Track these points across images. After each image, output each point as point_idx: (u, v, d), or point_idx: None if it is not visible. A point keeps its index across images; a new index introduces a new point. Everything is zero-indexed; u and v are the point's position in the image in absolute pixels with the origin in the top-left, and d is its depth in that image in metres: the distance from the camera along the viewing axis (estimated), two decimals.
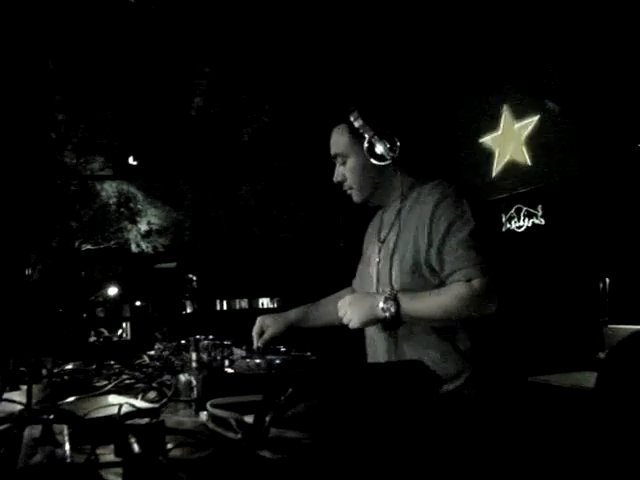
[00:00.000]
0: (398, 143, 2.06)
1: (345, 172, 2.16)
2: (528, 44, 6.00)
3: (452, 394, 1.97)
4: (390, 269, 2.10)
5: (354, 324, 1.97)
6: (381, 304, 1.92)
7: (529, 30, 5.92)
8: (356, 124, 2.08)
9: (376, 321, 1.97)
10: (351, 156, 2.13)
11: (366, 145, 2.05)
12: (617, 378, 1.58)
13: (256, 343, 2.33)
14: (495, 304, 1.87)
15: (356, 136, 2.09)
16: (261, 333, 2.38)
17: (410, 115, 2.28)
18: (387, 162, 2.08)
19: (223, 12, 9.02)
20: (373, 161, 2.07)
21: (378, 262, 2.19)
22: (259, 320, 2.42)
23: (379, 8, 6.31)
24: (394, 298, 1.91)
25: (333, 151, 2.18)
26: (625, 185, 5.22)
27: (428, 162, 2.34)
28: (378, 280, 2.18)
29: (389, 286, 2.07)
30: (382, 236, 2.20)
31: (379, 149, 2.05)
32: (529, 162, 6.46)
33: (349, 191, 2.20)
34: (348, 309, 1.98)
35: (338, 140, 2.15)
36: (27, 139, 13.05)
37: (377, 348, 2.19)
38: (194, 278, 12.01)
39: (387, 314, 1.91)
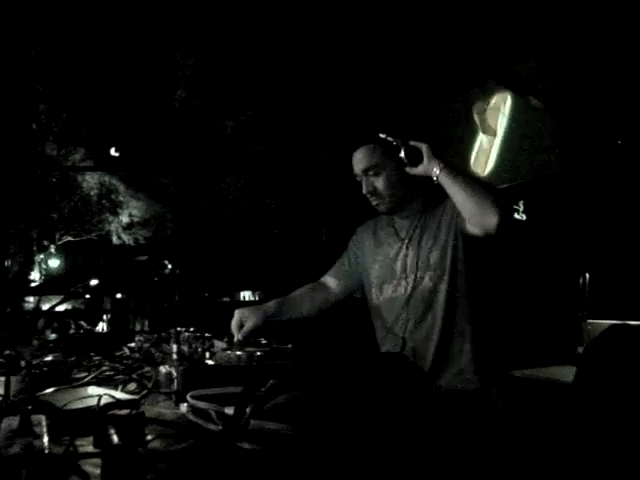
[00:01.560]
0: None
1: (377, 184, 2.34)
2: (511, 41, 6.02)
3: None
4: (426, 257, 2.33)
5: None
6: (434, 163, 2.18)
7: (512, 27, 5.94)
8: (389, 139, 2.27)
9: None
10: (387, 168, 2.31)
11: (403, 155, 2.24)
12: (595, 372, 1.59)
13: (237, 336, 2.34)
14: (498, 218, 2.05)
15: (389, 150, 2.27)
16: (240, 326, 2.40)
17: (425, 123, 2.55)
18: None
19: (207, 5, 8.98)
20: (409, 170, 2.26)
21: (405, 256, 2.39)
22: (237, 313, 2.45)
23: (364, 4, 6.31)
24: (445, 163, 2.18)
25: (365, 165, 2.33)
26: (605, 182, 5.25)
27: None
28: (405, 271, 2.37)
29: (424, 270, 2.32)
30: (403, 235, 2.43)
31: (415, 158, 2.25)
32: (510, 158, 6.49)
33: (377, 201, 2.37)
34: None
35: (371, 155, 2.33)
36: (7, 129, 12.92)
37: (391, 340, 2.35)
38: (168, 265, 11.94)
39: (438, 169, 2.16)
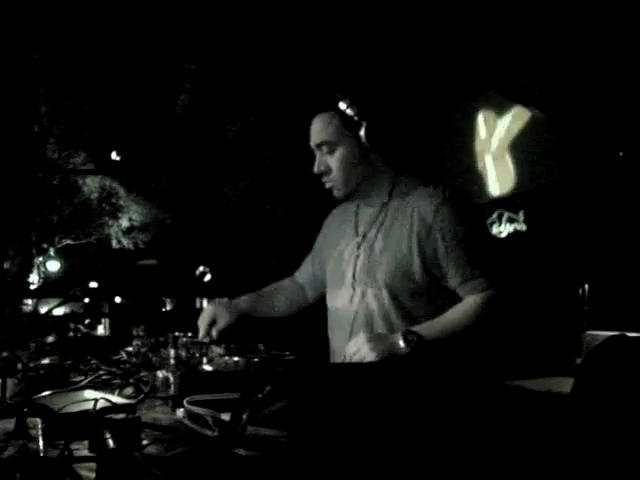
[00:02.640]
0: (393, 133, 1.99)
1: (331, 162, 2.00)
2: (513, 52, 6.04)
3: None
4: (374, 266, 2.00)
5: (371, 359, 1.81)
6: (401, 342, 1.81)
7: (514, 38, 5.96)
8: (349, 111, 1.93)
9: (392, 356, 1.83)
10: (341, 145, 1.97)
11: (363, 132, 1.92)
12: (593, 383, 1.59)
13: (203, 334, 2.21)
14: (507, 310, 1.95)
15: (349, 124, 1.94)
16: (212, 323, 2.26)
17: (402, 106, 2.20)
18: (382, 152, 1.99)
19: (210, 10, 9.00)
20: (368, 150, 1.96)
21: (356, 258, 2.06)
22: (208, 310, 2.29)
23: (365, 8, 6.32)
24: (414, 332, 1.83)
25: (318, 139, 2.01)
26: (606, 193, 5.26)
27: (417, 160, 2.26)
28: (354, 277, 2.05)
29: (371, 284, 1.99)
30: (361, 231, 2.09)
31: (377, 136, 1.94)
32: (512, 168, 6.50)
33: (330, 184, 2.05)
34: (364, 347, 1.81)
35: (325, 127, 1.99)
36: (9, 131, 12.93)
37: (337, 358, 2.10)
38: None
39: (409, 348, 1.81)
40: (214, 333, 2.21)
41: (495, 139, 6.74)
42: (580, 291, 4.31)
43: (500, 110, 6.66)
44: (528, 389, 3.48)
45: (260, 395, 1.18)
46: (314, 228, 2.47)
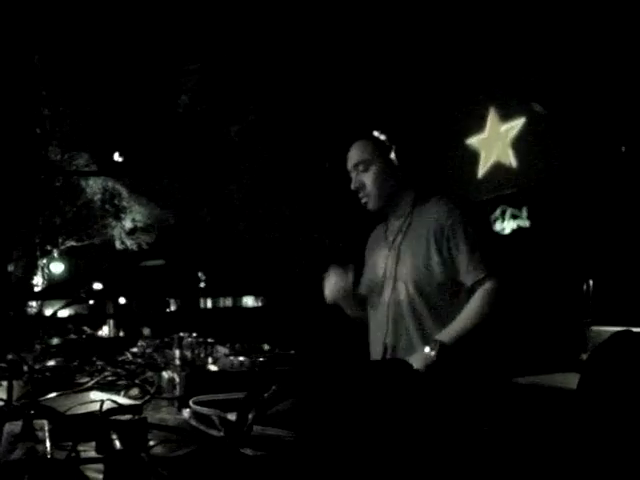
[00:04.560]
0: (415, 154, 2.39)
1: (366, 179, 2.38)
2: (515, 47, 6.03)
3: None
4: (401, 263, 2.35)
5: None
6: (427, 349, 2.12)
7: (516, 34, 5.95)
8: (382, 137, 2.34)
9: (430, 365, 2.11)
10: (374, 164, 2.36)
11: (393, 155, 2.32)
12: (599, 379, 1.59)
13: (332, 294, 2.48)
14: (508, 301, 2.25)
15: (381, 147, 2.34)
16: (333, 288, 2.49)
17: (423, 129, 2.60)
18: (407, 170, 2.36)
19: (211, 10, 9.00)
20: (396, 169, 2.34)
21: (386, 262, 2.42)
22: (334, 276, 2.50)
23: (367, 10, 6.32)
24: (435, 341, 2.13)
25: (356, 160, 2.39)
26: (609, 188, 5.25)
27: (432, 176, 2.62)
28: (385, 275, 2.41)
29: (400, 278, 2.34)
30: (390, 239, 2.46)
31: (404, 157, 2.33)
32: (514, 164, 6.49)
33: (365, 198, 2.41)
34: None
35: (362, 151, 2.38)
36: (11, 133, 12.94)
37: (377, 352, 2.41)
38: (202, 276, 11.91)
39: (433, 353, 2.10)
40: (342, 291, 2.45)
41: (498, 136, 6.73)
42: (585, 287, 4.31)
43: (503, 106, 6.65)
44: (534, 385, 3.48)
45: (266, 395, 1.18)
46: (318, 227, 2.58)
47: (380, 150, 2.35)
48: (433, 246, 2.26)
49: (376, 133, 2.36)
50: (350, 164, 2.43)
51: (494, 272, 2.21)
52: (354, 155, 2.41)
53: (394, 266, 2.38)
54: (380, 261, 2.48)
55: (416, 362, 2.03)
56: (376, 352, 2.41)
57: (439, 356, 2.08)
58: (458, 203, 2.34)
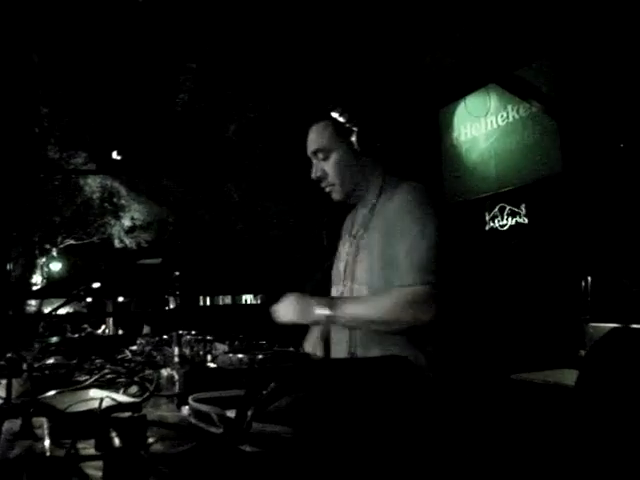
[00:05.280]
0: (382, 137, 2.10)
1: (326, 167, 2.15)
2: (513, 43, 6.03)
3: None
4: (357, 263, 2.12)
5: (285, 320, 1.98)
6: (316, 307, 1.94)
7: (515, 30, 5.95)
8: (342, 119, 2.08)
9: (311, 320, 1.98)
10: (335, 151, 2.12)
11: (354, 138, 2.07)
12: (597, 375, 1.59)
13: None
14: (432, 313, 1.86)
15: (342, 131, 2.09)
16: None
17: (390, 111, 2.31)
18: (373, 155, 2.12)
19: (209, 9, 8.99)
20: (360, 154, 2.10)
21: (347, 256, 2.19)
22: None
23: (362, 5, 6.31)
24: (329, 303, 1.94)
25: (314, 147, 2.15)
26: (608, 185, 5.26)
27: (405, 161, 2.34)
28: (344, 274, 2.19)
29: (355, 280, 2.11)
30: (354, 232, 2.21)
31: (368, 141, 2.08)
32: (512, 161, 6.50)
33: (329, 188, 2.18)
34: (285, 305, 1.99)
35: (321, 135, 2.14)
36: (9, 132, 12.93)
37: (341, 346, 2.16)
38: (179, 275, 11.88)
39: (322, 317, 1.93)
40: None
41: (495, 132, 6.74)
42: (583, 283, 4.31)
43: (500, 103, 6.66)
44: (532, 381, 3.48)
45: (265, 392, 1.18)
46: (316, 224, 2.52)
47: (340, 134, 2.10)
48: (387, 246, 2.02)
49: (335, 115, 2.10)
50: (309, 151, 2.19)
51: (424, 281, 1.90)
52: (313, 141, 2.16)
53: (352, 263, 2.15)
54: (343, 254, 2.25)
55: (290, 305, 1.97)
56: (337, 350, 2.19)
57: (326, 317, 1.92)
58: (412, 197, 2.02)
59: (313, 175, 2.18)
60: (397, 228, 1.99)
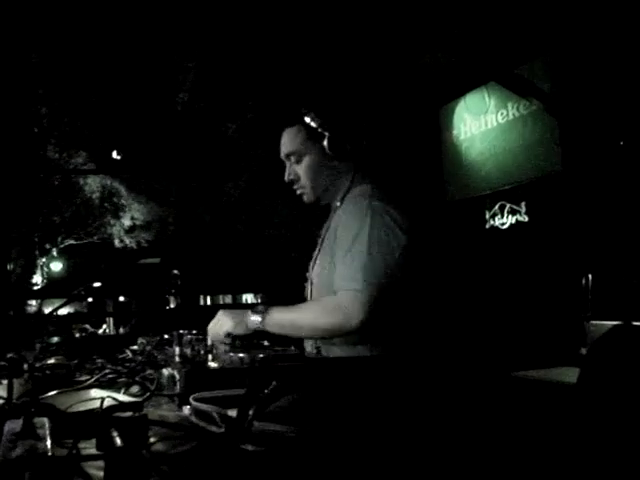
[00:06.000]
0: (352, 142, 2.15)
1: (299, 171, 2.20)
2: (514, 42, 6.02)
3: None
4: (315, 265, 2.23)
5: (223, 332, 1.96)
6: (251, 316, 1.97)
7: (514, 28, 5.94)
8: (314, 124, 2.13)
9: (246, 329, 1.98)
10: (307, 154, 2.17)
11: (325, 143, 2.11)
12: (598, 373, 1.59)
13: None
14: (359, 319, 1.87)
15: (313, 135, 2.13)
16: None
17: (362, 115, 2.32)
18: (343, 159, 2.16)
19: (208, 8, 8.99)
20: (332, 158, 2.14)
21: (315, 256, 2.28)
22: None
23: (361, 3, 6.30)
24: (264, 310, 1.97)
25: (287, 150, 2.20)
26: (608, 183, 5.25)
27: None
28: (309, 275, 2.27)
29: (313, 282, 2.20)
30: (322, 234, 2.29)
31: (339, 145, 2.12)
32: (512, 159, 6.49)
33: (300, 190, 2.24)
34: (222, 318, 2.00)
35: (293, 139, 2.19)
36: (9, 132, 12.93)
37: (308, 342, 2.21)
38: (178, 274, 11.89)
39: (254, 322, 1.95)
40: None
41: (495, 130, 6.73)
42: (584, 281, 4.31)
43: (499, 101, 6.66)
44: (533, 379, 3.48)
45: (266, 391, 1.18)
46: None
47: (312, 139, 2.14)
48: (333, 247, 2.08)
49: (307, 119, 2.14)
50: (282, 154, 2.24)
51: (349, 287, 1.92)
52: (285, 144, 2.22)
53: (312, 268, 2.25)
54: (314, 255, 2.31)
55: (228, 319, 1.97)
56: (307, 345, 2.22)
57: (262, 322, 1.95)
58: (359, 202, 2.08)
59: (286, 178, 2.24)
60: (339, 231, 2.06)
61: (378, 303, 1.89)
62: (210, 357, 1.78)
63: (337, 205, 2.22)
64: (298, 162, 2.19)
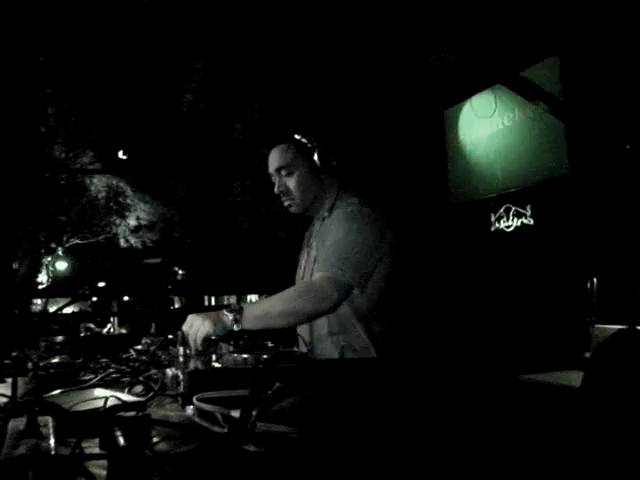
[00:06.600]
0: (339, 157, 2.32)
1: (289, 184, 2.33)
2: (519, 43, 6.02)
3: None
4: (308, 273, 2.32)
5: (201, 334, 1.96)
6: (226, 313, 2.00)
7: (521, 30, 5.94)
8: (304, 140, 2.30)
9: (224, 329, 2.00)
10: (298, 168, 2.31)
11: (316, 157, 2.27)
12: (602, 377, 1.59)
13: None
14: (331, 301, 2.03)
15: (304, 150, 2.30)
16: None
17: (351, 130, 2.52)
18: (330, 173, 2.33)
19: (215, 8, 9.00)
20: (320, 172, 2.30)
21: (304, 265, 2.41)
22: None
23: (367, 5, 6.30)
24: (238, 308, 2.02)
25: (278, 164, 2.33)
26: (614, 186, 5.24)
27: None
28: (302, 279, 2.39)
29: None
30: (309, 243, 2.43)
31: (327, 160, 2.28)
32: (518, 162, 6.48)
33: (288, 202, 2.37)
34: (197, 321, 1.99)
35: (284, 154, 2.32)
36: (16, 132, 12.97)
37: (304, 337, 2.31)
38: (179, 271, 11.95)
39: (231, 320, 1.99)
40: None
41: (501, 133, 6.73)
42: (588, 285, 4.30)
43: (507, 103, 6.65)
44: (537, 382, 3.48)
45: (269, 391, 1.18)
46: None
47: (302, 154, 2.31)
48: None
49: (297, 136, 2.32)
50: (272, 168, 2.38)
51: (330, 272, 2.08)
52: (276, 159, 2.36)
53: (303, 275, 2.38)
54: (301, 262, 2.47)
55: (204, 320, 1.96)
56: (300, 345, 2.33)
57: (237, 321, 1.99)
58: (351, 211, 2.25)
59: (276, 190, 2.38)
60: (329, 236, 2.21)
61: (350, 292, 2.08)
62: (214, 357, 1.78)
63: (325, 215, 2.35)
64: (289, 175, 2.33)
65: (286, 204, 2.38)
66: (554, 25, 5.68)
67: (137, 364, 2.02)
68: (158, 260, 15.70)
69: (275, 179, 2.38)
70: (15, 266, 15.84)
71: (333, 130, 2.42)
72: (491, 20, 5.97)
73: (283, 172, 2.33)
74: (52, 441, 1.00)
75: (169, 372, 1.68)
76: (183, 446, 1.12)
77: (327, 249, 2.16)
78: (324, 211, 2.37)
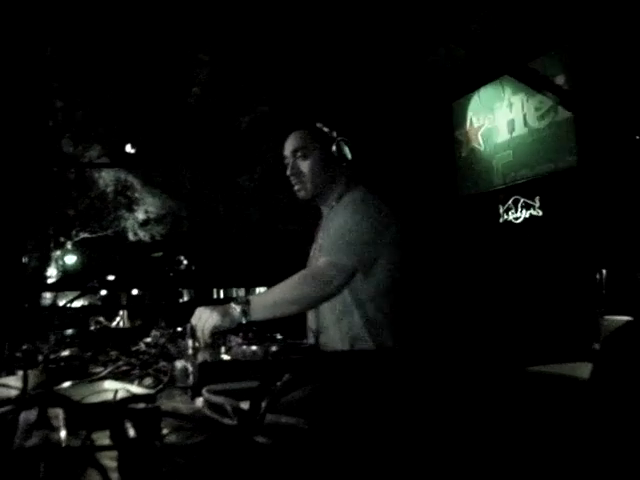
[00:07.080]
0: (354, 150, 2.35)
1: (303, 167, 2.35)
2: (527, 35, 5.99)
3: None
4: (312, 262, 2.37)
5: (209, 327, 1.97)
6: (233, 306, 2.02)
7: (529, 21, 5.91)
8: (326, 129, 2.34)
9: (232, 321, 2.02)
10: (314, 153, 2.34)
11: (334, 148, 2.31)
12: (611, 368, 1.58)
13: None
14: (333, 285, 2.06)
15: (322, 138, 2.33)
16: None
17: (367, 127, 2.55)
18: (343, 164, 2.35)
19: (223, 1, 8.99)
20: (334, 161, 2.33)
21: (312, 256, 2.44)
22: None
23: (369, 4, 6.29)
24: (245, 300, 2.04)
25: (296, 145, 2.36)
26: (623, 177, 5.22)
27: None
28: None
29: None
30: (319, 233, 2.46)
31: (344, 150, 2.32)
32: (526, 154, 6.46)
33: (298, 185, 2.38)
34: (205, 313, 2.00)
35: (304, 137, 2.36)
36: (24, 126, 13.00)
37: (311, 326, 2.35)
38: (184, 260, 11.97)
39: (239, 312, 2.01)
40: None
41: (510, 124, 6.71)
42: (597, 276, 4.29)
43: (515, 95, 6.63)
44: (546, 374, 3.47)
45: (279, 383, 1.19)
46: None
47: (320, 140, 2.34)
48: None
49: (319, 125, 2.36)
50: (288, 150, 2.40)
51: (333, 256, 2.13)
52: (294, 141, 2.39)
53: (311, 260, 2.42)
54: (311, 252, 2.50)
55: (212, 313, 1.98)
56: (308, 335, 2.38)
57: (244, 312, 2.00)
58: (355, 201, 2.30)
59: (289, 171, 2.39)
60: (334, 222, 2.25)
61: (353, 276, 2.10)
62: (223, 349, 1.79)
63: (333, 205, 2.37)
64: (304, 158, 2.35)
65: (296, 187, 2.39)
66: (562, 16, 5.65)
67: (146, 357, 2.03)
68: (158, 254, 15.74)
69: (289, 161, 2.39)
70: (25, 260, 15.90)
71: (347, 124, 2.41)
72: (499, 11, 5.95)
73: (299, 154, 2.35)
74: (63, 433, 1.00)
75: (178, 364, 1.69)
76: (193, 438, 1.13)
77: (331, 235, 2.20)
78: (332, 201, 2.39)
